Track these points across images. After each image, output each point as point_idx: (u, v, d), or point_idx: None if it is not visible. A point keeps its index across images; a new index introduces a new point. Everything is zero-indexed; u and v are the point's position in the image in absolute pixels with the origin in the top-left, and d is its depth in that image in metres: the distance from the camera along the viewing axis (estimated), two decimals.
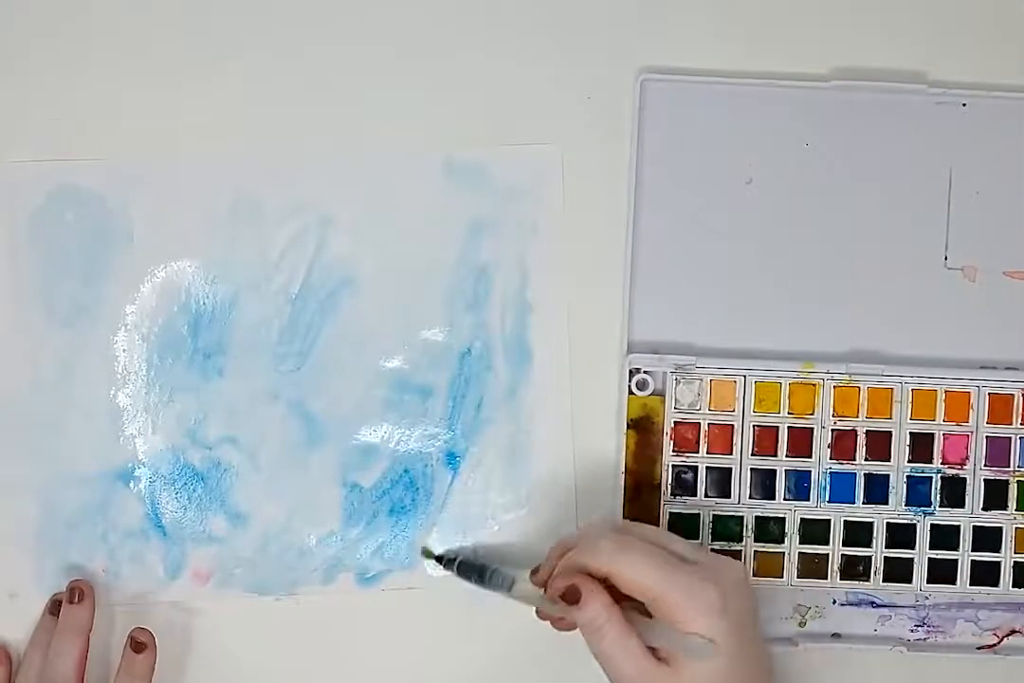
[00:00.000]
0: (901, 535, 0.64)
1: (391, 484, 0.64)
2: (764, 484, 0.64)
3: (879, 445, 0.64)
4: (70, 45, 0.64)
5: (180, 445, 0.64)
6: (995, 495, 0.64)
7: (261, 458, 0.64)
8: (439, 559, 0.64)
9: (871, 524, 0.64)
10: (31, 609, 0.63)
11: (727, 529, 0.64)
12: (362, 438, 0.64)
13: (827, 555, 0.64)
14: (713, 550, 0.64)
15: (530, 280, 0.64)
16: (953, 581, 0.64)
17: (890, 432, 0.64)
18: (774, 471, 0.64)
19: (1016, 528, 0.64)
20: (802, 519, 0.64)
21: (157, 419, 0.64)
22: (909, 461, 0.64)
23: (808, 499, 0.64)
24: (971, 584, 0.64)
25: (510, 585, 0.59)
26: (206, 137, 0.64)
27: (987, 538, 0.64)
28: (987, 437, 0.64)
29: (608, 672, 0.55)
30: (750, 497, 0.64)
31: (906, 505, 0.64)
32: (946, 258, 0.65)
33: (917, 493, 0.64)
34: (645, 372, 0.64)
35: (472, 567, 0.61)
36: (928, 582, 0.64)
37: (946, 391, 0.64)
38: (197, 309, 0.64)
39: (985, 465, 0.64)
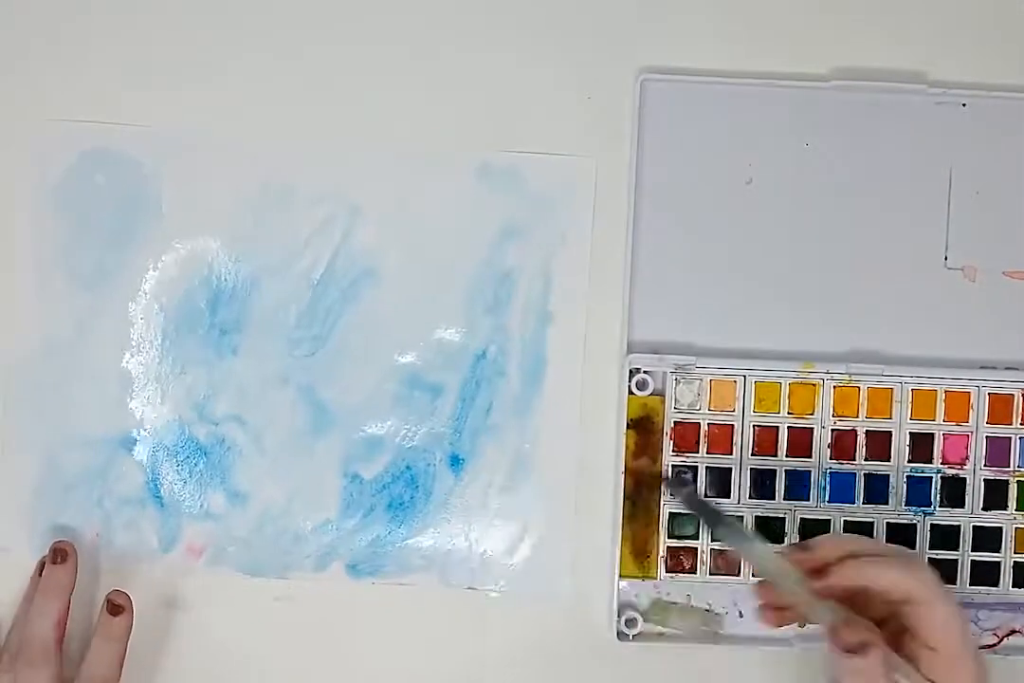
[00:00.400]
0: (901, 535, 0.64)
1: (392, 479, 0.64)
2: (764, 484, 0.64)
3: (879, 445, 0.64)
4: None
5: (187, 418, 0.64)
6: (995, 495, 0.64)
7: (266, 440, 0.64)
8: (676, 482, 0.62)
9: (871, 524, 0.64)
10: (22, 565, 0.63)
11: None
12: (368, 430, 0.64)
13: None
14: (713, 550, 0.64)
15: (553, 289, 0.64)
16: (953, 581, 0.64)
17: (890, 432, 0.64)
18: (774, 471, 0.64)
19: (1016, 528, 0.64)
20: (802, 519, 0.64)
21: (167, 390, 0.64)
22: (909, 461, 0.64)
23: (808, 499, 0.64)
24: (971, 584, 0.64)
25: (760, 542, 0.55)
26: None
27: (987, 538, 0.64)
28: (987, 437, 0.64)
29: None
30: (750, 497, 0.64)
31: (906, 505, 0.64)
32: (946, 258, 0.65)
33: (917, 493, 0.64)
34: (645, 372, 0.64)
35: (710, 509, 0.57)
36: None
37: (946, 391, 0.64)
38: (218, 285, 0.64)
39: (985, 465, 0.64)
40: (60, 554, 0.61)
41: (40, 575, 0.62)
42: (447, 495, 0.64)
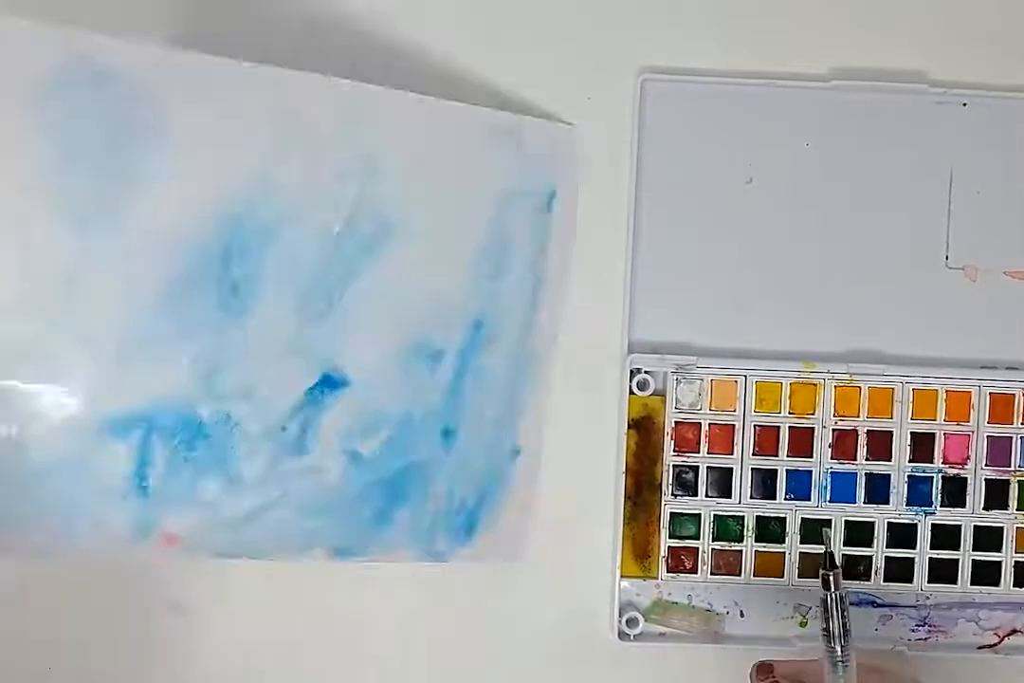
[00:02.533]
0: (902, 535, 0.64)
1: (391, 457, 0.60)
2: (765, 484, 0.64)
3: (880, 445, 0.64)
4: None
5: (184, 392, 0.55)
6: (996, 495, 0.64)
7: (267, 415, 0.57)
8: (830, 568, 0.57)
9: (872, 524, 0.64)
10: None
11: (728, 529, 0.64)
12: (371, 406, 0.59)
13: None
14: (714, 550, 0.64)
15: (547, 254, 0.63)
16: (954, 581, 0.64)
17: (891, 432, 0.64)
18: (775, 471, 0.64)
19: (1017, 527, 0.64)
20: (803, 519, 0.64)
21: (165, 356, 0.54)
22: (910, 461, 0.64)
23: (809, 499, 0.64)
24: (972, 584, 0.64)
25: (845, 666, 0.56)
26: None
27: (988, 538, 0.64)
28: (988, 437, 0.64)
29: None
30: (751, 497, 0.64)
31: (907, 505, 0.64)
32: (947, 258, 0.65)
33: (918, 493, 0.64)
34: (646, 372, 0.64)
35: (842, 629, 0.57)
36: (929, 582, 0.64)
37: (947, 391, 0.64)
38: (230, 234, 0.55)
39: (986, 465, 0.64)
40: None
41: None
42: (446, 473, 0.62)
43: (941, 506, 0.64)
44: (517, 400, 0.64)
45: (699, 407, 0.64)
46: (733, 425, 0.64)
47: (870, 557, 0.64)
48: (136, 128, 0.53)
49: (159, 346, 0.54)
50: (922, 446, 0.64)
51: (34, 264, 0.52)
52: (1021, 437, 0.64)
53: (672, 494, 0.64)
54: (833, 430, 0.64)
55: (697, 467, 0.64)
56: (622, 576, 0.64)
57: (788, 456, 0.64)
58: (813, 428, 0.64)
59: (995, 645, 0.65)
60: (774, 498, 0.64)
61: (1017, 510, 0.64)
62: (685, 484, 0.64)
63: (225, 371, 0.55)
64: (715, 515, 0.64)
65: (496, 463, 0.64)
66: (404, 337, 0.60)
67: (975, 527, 0.64)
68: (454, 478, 0.62)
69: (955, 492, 0.64)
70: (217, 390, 0.56)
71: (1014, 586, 0.64)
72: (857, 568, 0.64)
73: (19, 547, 0.55)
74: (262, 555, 0.59)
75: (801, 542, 0.64)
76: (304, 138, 0.56)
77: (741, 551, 0.64)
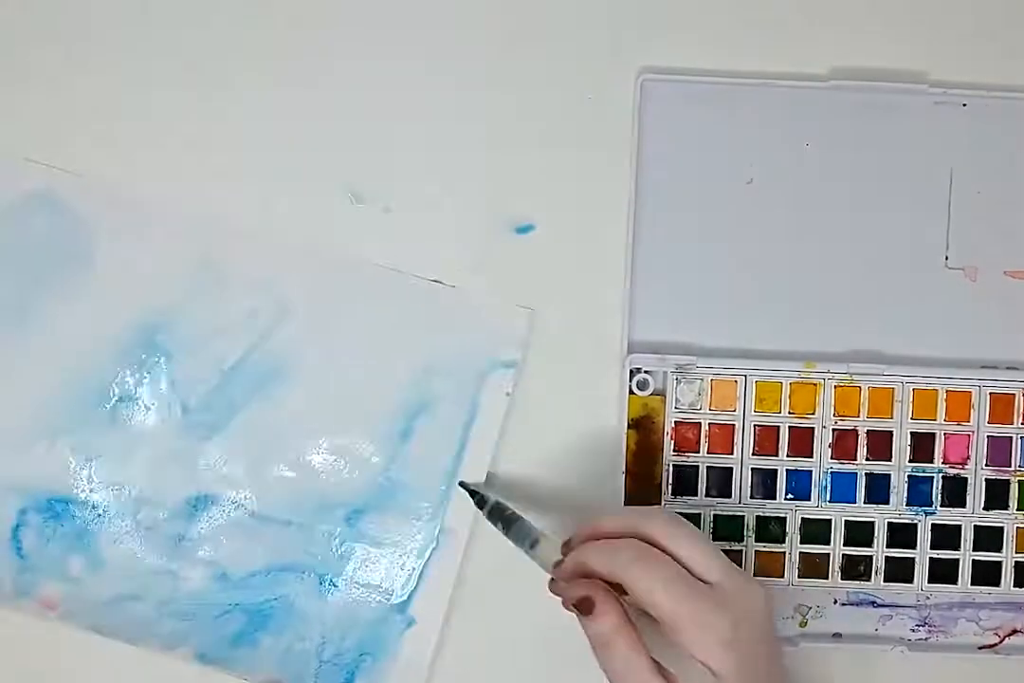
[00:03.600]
0: (902, 535, 0.64)
1: (261, 586, 0.63)
2: (765, 484, 0.64)
3: (880, 445, 0.64)
4: (72, 54, 0.64)
5: (64, 476, 0.63)
6: (996, 495, 0.64)
7: (141, 514, 0.63)
8: (473, 494, 0.62)
9: (872, 524, 0.64)
10: None
11: (728, 529, 0.64)
12: (248, 534, 0.64)
13: (828, 555, 0.64)
14: None
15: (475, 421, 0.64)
16: (954, 581, 0.64)
17: (891, 432, 0.64)
18: (775, 471, 0.64)
19: (1017, 527, 0.64)
20: (803, 519, 0.64)
21: (54, 445, 0.63)
22: (910, 461, 0.64)
23: (809, 499, 0.64)
24: (972, 584, 0.64)
25: (533, 543, 0.58)
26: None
27: (988, 538, 0.64)
28: (988, 437, 0.64)
29: None
30: (751, 497, 0.64)
31: (907, 505, 0.64)
32: (947, 258, 0.65)
33: (918, 493, 0.64)
34: (646, 372, 0.64)
35: (502, 513, 0.60)
36: (929, 582, 0.64)
37: (947, 391, 0.64)
38: (126, 349, 0.63)
39: (986, 465, 0.64)
40: None
41: None
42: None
43: (941, 506, 0.64)
44: (412, 568, 0.64)
45: (699, 407, 0.64)
46: (733, 425, 0.64)
47: (870, 557, 0.64)
48: (67, 253, 0.63)
49: (47, 435, 0.63)
50: (922, 446, 0.64)
51: None
52: (1021, 437, 0.64)
53: (672, 494, 0.64)
54: (833, 430, 0.64)
55: (697, 467, 0.64)
56: None
57: (788, 456, 0.64)
58: (813, 428, 0.64)
59: (995, 645, 0.65)
60: (774, 498, 0.64)
61: (1017, 510, 0.64)
62: (685, 484, 0.64)
63: (97, 464, 0.63)
64: (715, 515, 0.64)
65: (379, 627, 0.63)
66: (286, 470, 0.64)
67: (975, 527, 0.64)
68: (327, 625, 0.63)
69: (955, 492, 0.64)
70: (88, 479, 0.63)
71: (1014, 586, 0.64)
72: (857, 568, 0.64)
73: None
74: (131, 641, 0.63)
75: (801, 542, 0.64)
76: (220, 281, 0.63)
77: (741, 551, 0.64)
